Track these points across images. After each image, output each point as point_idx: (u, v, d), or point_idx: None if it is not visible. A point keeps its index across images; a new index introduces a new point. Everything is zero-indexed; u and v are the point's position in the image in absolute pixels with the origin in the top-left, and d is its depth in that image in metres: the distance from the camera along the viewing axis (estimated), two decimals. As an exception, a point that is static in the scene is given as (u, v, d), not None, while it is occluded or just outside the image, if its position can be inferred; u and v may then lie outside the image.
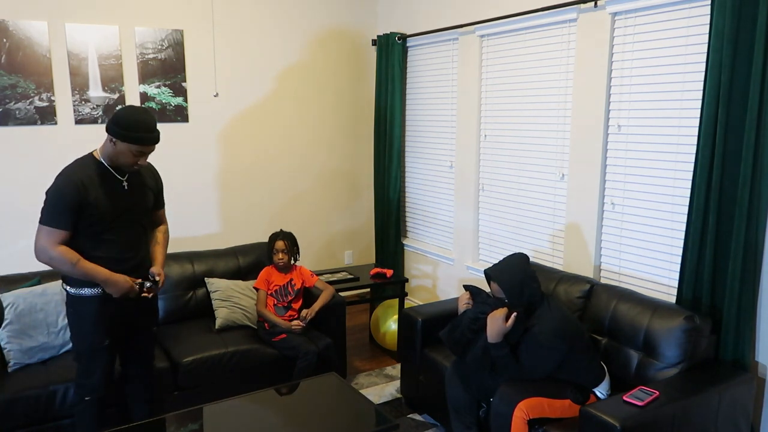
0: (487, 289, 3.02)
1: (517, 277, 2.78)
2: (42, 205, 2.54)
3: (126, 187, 2.67)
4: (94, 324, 2.66)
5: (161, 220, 3.00)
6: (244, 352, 3.39)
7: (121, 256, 2.65)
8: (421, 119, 4.94)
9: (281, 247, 3.63)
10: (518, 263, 2.86)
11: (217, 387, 3.30)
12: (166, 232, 3.00)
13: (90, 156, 2.65)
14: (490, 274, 2.89)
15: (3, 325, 3.06)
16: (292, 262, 3.71)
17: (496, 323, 2.71)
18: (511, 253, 2.98)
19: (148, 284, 2.73)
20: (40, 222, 2.52)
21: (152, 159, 2.90)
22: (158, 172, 2.94)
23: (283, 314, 3.59)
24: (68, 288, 2.66)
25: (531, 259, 3.85)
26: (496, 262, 2.96)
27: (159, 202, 2.94)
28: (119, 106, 2.61)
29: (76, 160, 2.65)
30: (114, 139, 2.52)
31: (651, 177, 3.19)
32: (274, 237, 3.69)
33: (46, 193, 2.55)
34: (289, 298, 3.63)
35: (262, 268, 3.72)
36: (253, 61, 4.81)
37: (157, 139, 2.59)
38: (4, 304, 3.11)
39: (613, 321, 2.94)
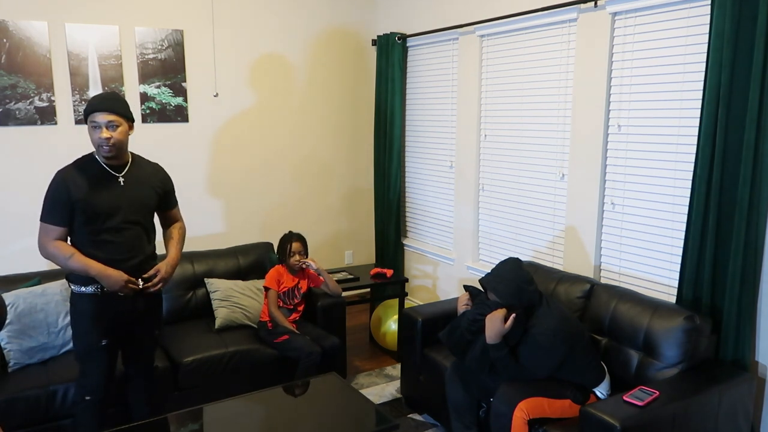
0: (487, 290, 3.02)
1: (512, 285, 2.76)
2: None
3: (122, 183, 2.68)
4: (92, 322, 2.67)
5: (175, 218, 2.99)
6: (244, 352, 3.40)
7: (121, 257, 2.65)
8: (421, 119, 4.94)
9: (299, 249, 3.61)
10: (511, 270, 2.82)
11: (217, 387, 3.30)
12: (182, 228, 2.99)
13: (89, 155, 2.70)
14: (484, 284, 2.87)
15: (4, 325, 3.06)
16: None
17: (495, 324, 2.70)
18: (506, 258, 2.94)
19: (141, 283, 2.69)
20: (40, 219, 2.62)
21: (152, 157, 2.91)
22: (167, 174, 2.91)
23: (287, 316, 3.58)
24: (71, 285, 2.69)
25: (531, 259, 3.88)
26: (491, 269, 2.92)
27: (169, 202, 2.93)
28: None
29: (75, 160, 2.70)
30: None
31: (651, 177, 3.19)
32: (290, 238, 3.64)
33: None
34: (296, 301, 3.63)
35: (262, 268, 3.71)
36: (253, 61, 4.81)
37: (102, 106, 2.56)
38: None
39: (613, 321, 2.94)
